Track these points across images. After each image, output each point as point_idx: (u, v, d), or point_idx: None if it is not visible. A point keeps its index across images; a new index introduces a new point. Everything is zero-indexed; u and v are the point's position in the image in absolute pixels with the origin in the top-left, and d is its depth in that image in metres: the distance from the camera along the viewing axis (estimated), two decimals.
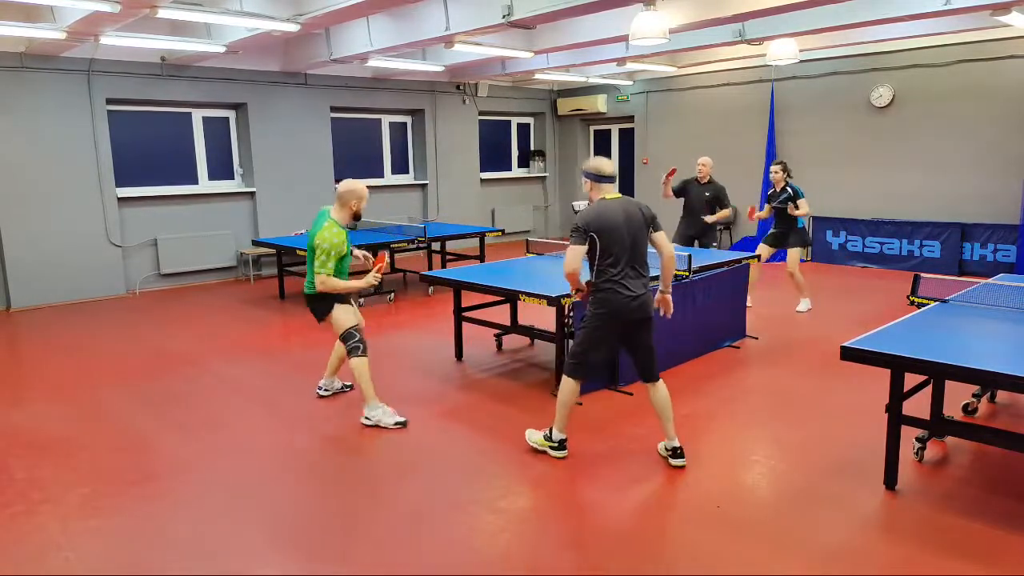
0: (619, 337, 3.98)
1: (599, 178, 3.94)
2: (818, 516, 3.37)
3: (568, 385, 3.99)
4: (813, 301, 7.68)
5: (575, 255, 3.82)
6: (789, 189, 7.32)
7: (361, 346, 4.57)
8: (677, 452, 3.96)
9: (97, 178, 8.87)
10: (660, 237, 3.93)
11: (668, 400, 3.96)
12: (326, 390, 5.19)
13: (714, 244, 7.73)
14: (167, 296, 9.18)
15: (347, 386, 5.28)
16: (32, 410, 5.05)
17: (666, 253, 3.92)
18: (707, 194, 7.54)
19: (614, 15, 7.35)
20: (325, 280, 4.44)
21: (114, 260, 9.14)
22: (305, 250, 7.72)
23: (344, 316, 4.59)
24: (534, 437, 4.18)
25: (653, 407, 4.00)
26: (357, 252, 4.94)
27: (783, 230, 7.51)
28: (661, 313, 4.05)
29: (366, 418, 4.58)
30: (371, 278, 4.54)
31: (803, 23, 7.71)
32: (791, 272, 7.48)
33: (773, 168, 7.49)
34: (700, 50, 9.63)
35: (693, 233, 7.63)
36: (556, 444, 4.07)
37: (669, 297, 4.04)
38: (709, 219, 7.49)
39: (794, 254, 7.44)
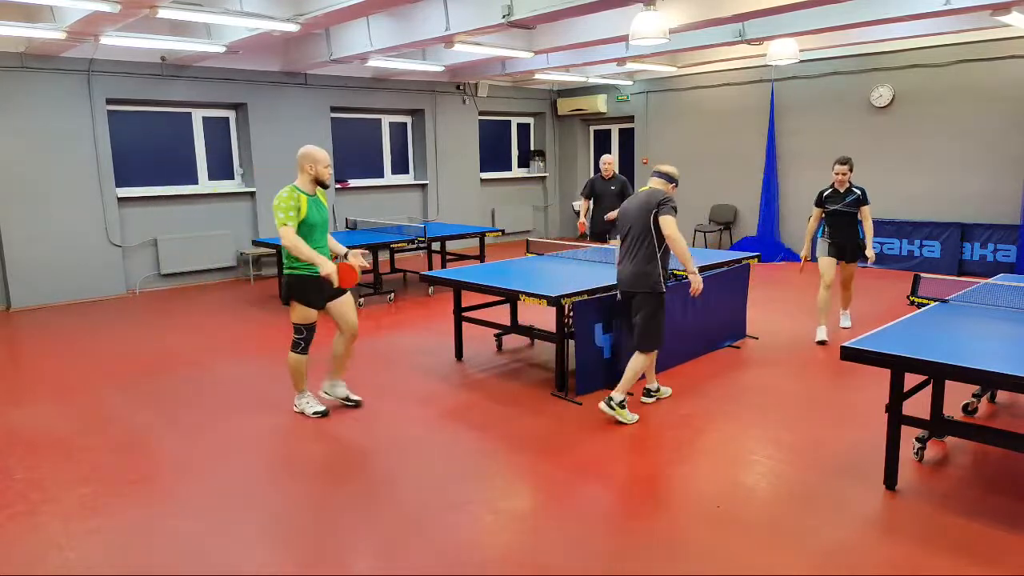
0: (627, 306, 4.67)
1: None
2: (818, 516, 3.37)
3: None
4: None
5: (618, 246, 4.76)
6: (857, 191, 6.22)
7: (303, 344, 4.63)
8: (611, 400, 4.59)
9: (97, 178, 8.87)
10: (661, 220, 4.37)
11: (635, 368, 4.56)
12: (326, 393, 4.93)
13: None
14: (167, 296, 9.18)
15: (352, 400, 4.92)
16: (32, 410, 5.05)
17: (664, 234, 4.37)
18: (612, 188, 7.87)
19: (614, 15, 7.35)
20: (286, 233, 4.31)
21: (114, 260, 9.14)
22: None
23: (305, 312, 4.57)
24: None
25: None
26: (356, 252, 4.79)
27: (846, 241, 6.32)
28: (691, 293, 4.56)
29: (295, 405, 4.85)
30: (330, 267, 4.38)
31: (803, 23, 7.71)
32: (847, 287, 6.60)
33: (838, 169, 6.19)
34: (700, 50, 9.63)
35: (602, 229, 7.95)
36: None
37: (693, 277, 4.50)
38: (610, 216, 7.71)
39: (853, 268, 6.50)
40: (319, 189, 4.64)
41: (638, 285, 4.50)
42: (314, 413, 4.77)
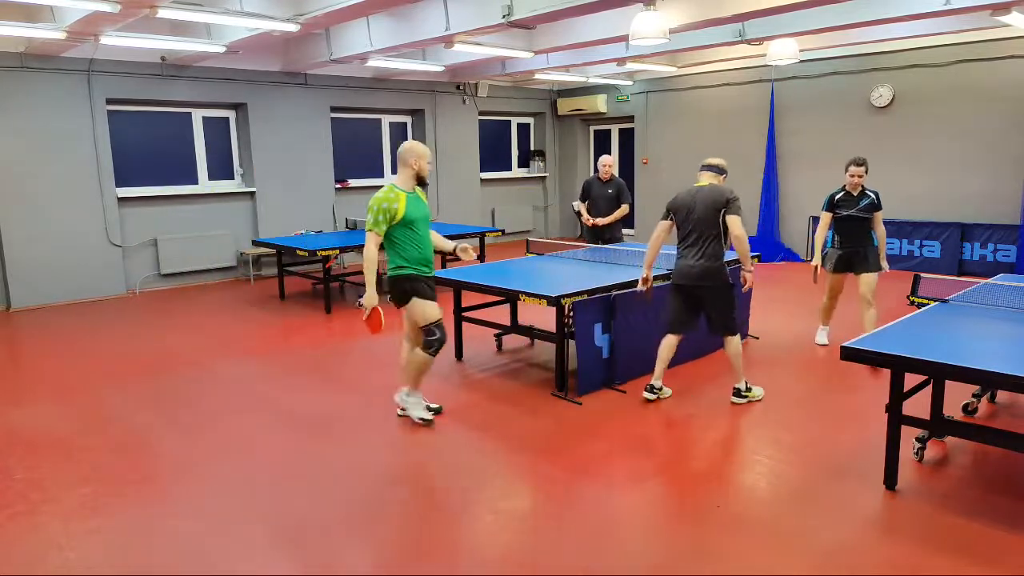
0: (686, 299, 4.86)
1: (700, 167, 4.93)
2: (818, 516, 3.37)
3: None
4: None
5: (657, 228, 4.86)
6: (871, 195, 5.76)
7: (436, 346, 4.41)
8: (739, 392, 4.88)
9: (97, 178, 8.87)
10: (730, 220, 4.60)
11: (736, 352, 4.81)
12: (403, 410, 4.68)
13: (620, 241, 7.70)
14: (167, 296, 9.18)
15: (432, 408, 4.71)
16: (32, 410, 5.05)
17: (732, 233, 4.62)
18: (610, 191, 7.53)
19: (614, 15, 7.35)
20: (370, 241, 4.22)
21: (114, 260, 9.14)
22: (305, 250, 7.76)
23: (428, 308, 4.40)
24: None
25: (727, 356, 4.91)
26: (465, 244, 4.66)
27: (858, 249, 5.82)
28: (743, 288, 4.81)
29: (400, 406, 4.62)
30: (373, 301, 4.32)
31: (803, 23, 7.71)
32: (868, 301, 5.76)
33: (854, 170, 5.73)
34: (700, 50, 9.63)
35: (598, 232, 7.58)
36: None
37: (747, 274, 4.73)
38: (600, 221, 7.47)
39: (872, 279, 5.78)
40: (417, 187, 4.46)
41: (710, 279, 4.70)
42: (419, 419, 4.53)
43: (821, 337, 6.27)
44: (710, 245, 4.66)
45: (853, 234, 5.80)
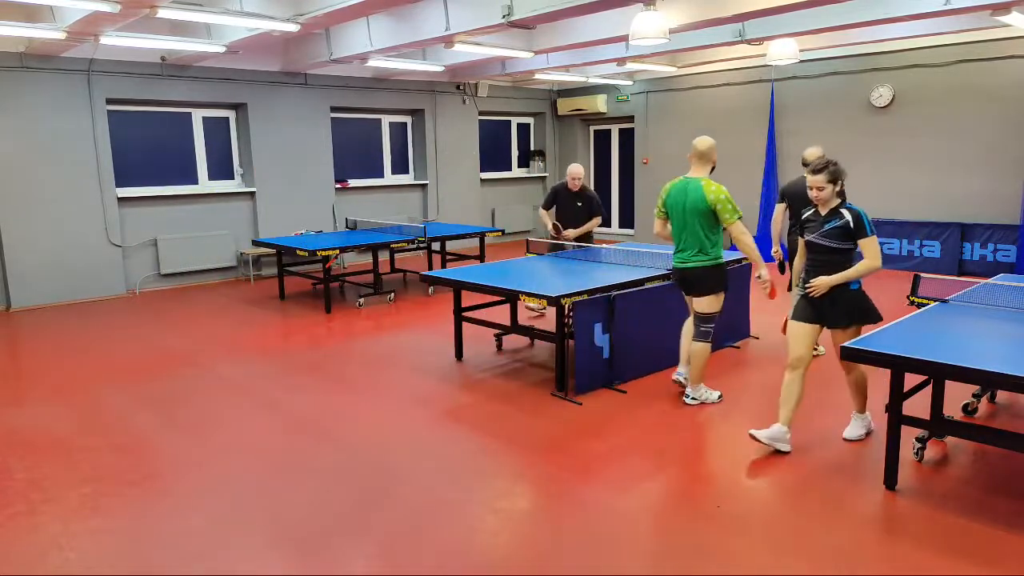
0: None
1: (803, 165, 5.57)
2: (818, 516, 3.37)
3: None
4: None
5: (776, 211, 5.87)
6: (845, 215, 3.89)
7: (712, 333, 4.76)
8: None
9: (97, 178, 8.87)
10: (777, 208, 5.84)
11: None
12: (685, 379, 4.97)
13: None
14: (167, 296, 9.18)
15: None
16: (32, 410, 5.05)
17: None
18: (579, 204, 6.98)
19: (614, 15, 7.35)
20: (742, 229, 4.50)
21: (114, 260, 9.14)
22: (305, 251, 7.76)
23: (720, 300, 4.73)
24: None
25: None
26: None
27: (825, 291, 3.93)
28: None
29: (692, 398, 4.87)
30: (766, 270, 4.60)
31: (803, 23, 7.72)
32: (848, 369, 4.16)
33: (810, 180, 3.95)
34: (700, 50, 9.64)
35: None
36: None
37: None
38: (570, 233, 7.00)
39: (846, 336, 3.93)
40: None
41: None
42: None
43: (852, 428, 4.24)
44: None
45: (820, 268, 3.98)
